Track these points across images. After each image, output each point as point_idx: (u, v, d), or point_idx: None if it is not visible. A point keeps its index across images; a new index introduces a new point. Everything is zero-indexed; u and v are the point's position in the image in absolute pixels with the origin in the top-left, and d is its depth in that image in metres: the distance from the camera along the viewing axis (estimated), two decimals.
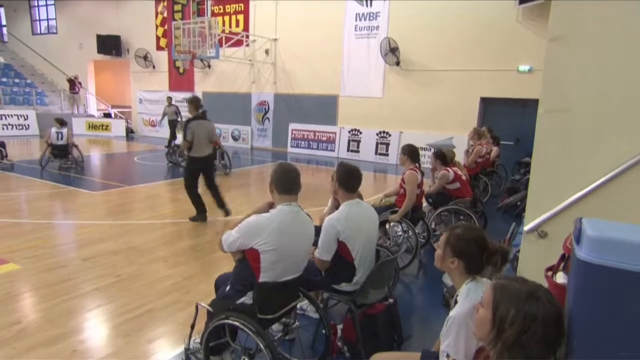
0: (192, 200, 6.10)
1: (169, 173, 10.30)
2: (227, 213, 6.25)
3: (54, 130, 9.50)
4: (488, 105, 11.50)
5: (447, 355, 1.68)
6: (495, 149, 8.40)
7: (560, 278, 1.51)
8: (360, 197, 3.14)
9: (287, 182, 2.47)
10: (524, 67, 10.50)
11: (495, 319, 1.28)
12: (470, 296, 1.71)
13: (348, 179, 2.99)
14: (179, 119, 12.94)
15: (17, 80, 19.31)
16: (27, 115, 16.81)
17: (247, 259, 2.40)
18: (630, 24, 2.25)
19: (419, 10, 11.76)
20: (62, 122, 9.66)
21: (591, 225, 1.20)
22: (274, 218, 2.37)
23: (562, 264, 1.58)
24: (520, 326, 1.22)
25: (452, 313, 1.72)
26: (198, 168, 6.06)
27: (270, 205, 2.56)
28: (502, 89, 10.86)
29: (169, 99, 13.68)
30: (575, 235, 1.25)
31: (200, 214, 6.14)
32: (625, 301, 1.09)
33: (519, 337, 1.22)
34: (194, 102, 6.05)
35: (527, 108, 10.43)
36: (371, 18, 12.67)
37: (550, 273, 1.61)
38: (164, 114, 13.36)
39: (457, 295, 1.80)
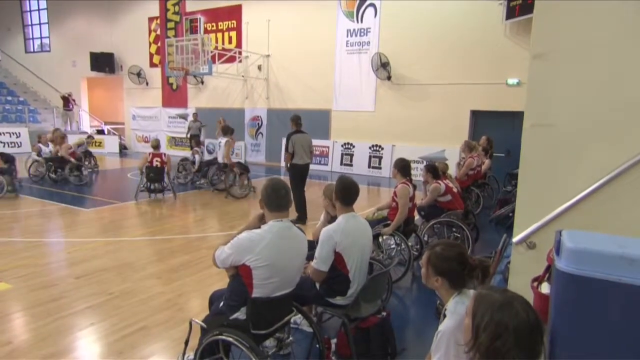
0: (295, 203, 6.64)
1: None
2: (300, 221, 6.87)
3: None
4: (478, 118, 11.66)
5: None
6: (487, 162, 8.49)
7: (545, 288, 1.55)
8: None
9: (277, 200, 2.48)
10: (512, 81, 10.70)
11: (473, 326, 1.33)
12: (457, 310, 1.75)
13: (346, 193, 3.06)
14: (200, 136, 12.91)
15: (9, 98, 19.31)
16: (19, 133, 16.79)
17: (240, 275, 2.42)
18: (610, 40, 2.33)
19: (408, 26, 11.97)
20: None
21: (570, 237, 1.25)
22: (265, 234, 2.38)
23: (546, 275, 1.62)
24: (493, 333, 1.27)
25: (440, 327, 1.75)
26: (298, 173, 6.84)
27: (261, 219, 2.58)
28: (492, 102, 11.03)
29: (195, 114, 13.70)
30: (556, 247, 1.29)
31: (301, 218, 6.86)
32: (602, 310, 1.13)
33: (491, 343, 1.26)
34: (295, 120, 7.01)
35: (517, 120, 10.56)
36: (362, 34, 12.87)
37: (536, 284, 1.65)
38: (189, 129, 13.38)
39: (445, 310, 1.84)
